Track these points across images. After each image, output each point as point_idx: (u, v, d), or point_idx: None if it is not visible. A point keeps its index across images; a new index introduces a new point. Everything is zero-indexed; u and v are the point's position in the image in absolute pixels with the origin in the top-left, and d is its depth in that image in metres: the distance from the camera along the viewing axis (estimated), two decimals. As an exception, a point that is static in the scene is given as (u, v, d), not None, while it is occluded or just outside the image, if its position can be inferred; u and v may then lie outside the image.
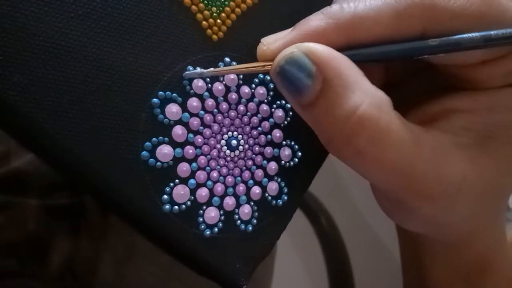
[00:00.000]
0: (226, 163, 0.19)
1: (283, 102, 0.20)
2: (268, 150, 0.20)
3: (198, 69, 0.18)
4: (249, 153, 0.19)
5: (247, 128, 0.19)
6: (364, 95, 0.15)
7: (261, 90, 0.20)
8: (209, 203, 0.18)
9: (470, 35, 0.15)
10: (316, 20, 0.16)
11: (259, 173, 0.19)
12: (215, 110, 0.19)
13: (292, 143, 0.21)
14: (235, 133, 0.19)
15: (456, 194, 0.16)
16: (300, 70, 0.15)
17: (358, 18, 0.15)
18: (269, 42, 0.17)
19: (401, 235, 0.25)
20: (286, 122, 0.20)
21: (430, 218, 0.17)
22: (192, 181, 0.18)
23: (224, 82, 0.19)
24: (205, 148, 0.18)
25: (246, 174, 0.19)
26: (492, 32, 0.15)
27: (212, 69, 0.18)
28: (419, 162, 0.15)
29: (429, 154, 0.16)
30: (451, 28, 0.15)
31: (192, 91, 0.18)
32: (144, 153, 0.17)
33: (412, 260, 0.25)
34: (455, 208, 0.17)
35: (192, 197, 0.18)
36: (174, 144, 0.17)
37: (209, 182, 0.18)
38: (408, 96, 0.19)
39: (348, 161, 0.16)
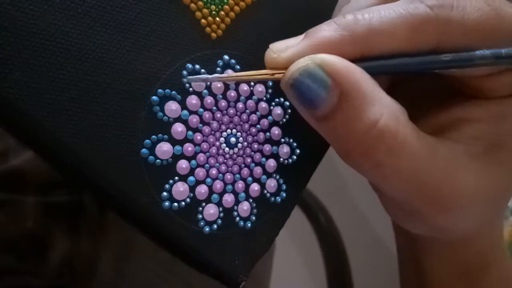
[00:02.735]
0: (225, 160, 0.19)
1: (282, 99, 0.20)
2: (267, 147, 0.20)
3: (203, 75, 0.18)
4: (248, 150, 0.19)
5: (246, 126, 0.19)
6: (382, 107, 0.15)
7: (259, 87, 0.20)
8: (208, 200, 0.18)
9: (481, 52, 0.15)
10: (330, 31, 0.15)
11: (258, 170, 0.20)
12: (214, 107, 0.19)
13: (291, 140, 0.21)
14: (234, 130, 0.19)
15: (469, 204, 0.16)
16: (315, 83, 0.15)
17: (373, 32, 0.15)
18: (280, 49, 0.16)
19: (398, 232, 0.25)
20: (284, 120, 0.20)
21: (443, 226, 0.17)
22: (191, 178, 0.18)
23: (223, 80, 0.19)
24: (204, 146, 0.18)
25: (245, 171, 0.19)
26: (502, 50, 0.15)
27: (217, 75, 0.18)
28: (435, 173, 0.15)
29: (445, 165, 0.16)
30: (463, 43, 0.15)
31: (191, 89, 0.18)
32: (144, 150, 0.17)
33: (409, 257, 0.25)
34: (467, 217, 0.17)
35: (192, 194, 0.18)
36: (173, 141, 0.18)
37: (208, 179, 0.18)
38: (416, 103, 0.19)
39: (367, 172, 0.16)
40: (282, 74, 0.16)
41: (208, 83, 0.18)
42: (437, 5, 0.15)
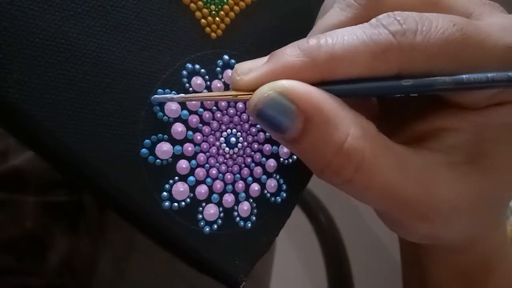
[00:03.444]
0: (225, 160, 0.19)
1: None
2: (267, 147, 0.20)
3: (169, 94, 0.17)
4: (248, 150, 0.19)
5: (246, 126, 0.19)
6: (347, 128, 0.15)
7: (259, 87, 0.20)
8: (208, 200, 0.18)
9: (443, 78, 0.15)
10: (292, 56, 0.15)
11: (258, 170, 0.20)
12: (214, 107, 0.19)
13: (291, 140, 0.21)
14: (234, 130, 0.19)
15: (450, 211, 0.16)
16: (279, 112, 0.15)
17: (335, 59, 0.15)
18: (243, 72, 0.16)
19: (400, 237, 0.25)
20: (284, 120, 0.20)
21: (427, 235, 0.17)
22: (191, 178, 0.18)
23: (223, 80, 0.19)
24: (204, 146, 0.18)
25: (245, 171, 0.19)
26: (464, 76, 0.15)
27: (182, 94, 0.17)
28: (408, 185, 0.15)
29: (418, 176, 0.16)
30: (426, 69, 0.15)
31: (191, 88, 0.18)
32: (144, 150, 0.17)
33: (412, 260, 0.25)
34: (451, 224, 0.17)
35: (192, 194, 0.18)
36: (173, 141, 0.18)
37: (208, 179, 0.18)
38: (395, 111, 0.19)
39: (339, 188, 0.16)
40: (245, 96, 0.16)
41: (208, 82, 0.18)
42: (400, 31, 0.15)
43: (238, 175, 0.19)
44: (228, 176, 0.19)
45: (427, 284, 0.23)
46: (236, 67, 0.17)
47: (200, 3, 0.18)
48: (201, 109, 0.18)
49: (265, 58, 0.16)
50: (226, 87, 0.19)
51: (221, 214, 0.19)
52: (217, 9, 0.19)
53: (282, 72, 0.15)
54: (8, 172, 0.29)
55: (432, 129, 0.17)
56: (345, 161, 0.15)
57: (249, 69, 0.16)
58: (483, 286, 0.22)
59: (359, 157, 0.15)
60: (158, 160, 0.17)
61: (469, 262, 0.21)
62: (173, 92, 0.18)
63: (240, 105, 0.19)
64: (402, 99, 0.19)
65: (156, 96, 0.17)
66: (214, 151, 0.19)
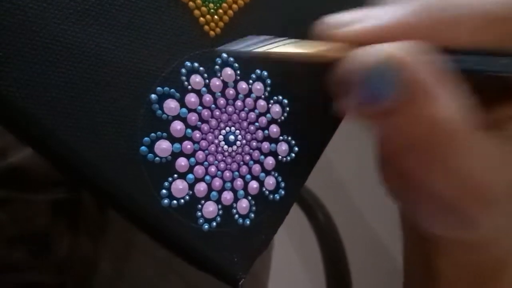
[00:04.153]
0: (224, 158, 0.19)
1: (280, 97, 0.20)
2: (265, 145, 0.20)
3: (235, 46, 0.17)
4: (247, 148, 0.20)
5: (245, 124, 0.19)
6: (450, 104, 0.14)
7: (258, 85, 0.20)
8: (207, 198, 0.18)
9: None
10: (411, 15, 0.14)
11: (256, 168, 0.20)
12: (213, 105, 0.19)
13: (289, 138, 0.21)
14: (233, 128, 0.19)
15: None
16: (385, 79, 0.14)
17: (457, 24, 0.14)
18: (343, 23, 0.15)
19: (406, 233, 0.25)
20: (283, 118, 0.20)
21: (481, 223, 0.17)
22: (190, 175, 0.18)
23: (221, 78, 0.19)
24: (203, 143, 0.18)
25: (244, 169, 0.19)
26: None
27: (258, 49, 0.17)
28: (490, 171, 0.15)
29: (499, 163, 0.15)
30: None
31: (190, 86, 0.18)
32: (143, 148, 0.17)
33: (418, 258, 0.24)
34: (504, 216, 0.16)
35: (191, 192, 0.18)
36: (172, 139, 0.18)
37: (207, 177, 0.18)
38: (473, 94, 0.19)
39: (419, 171, 0.16)
40: (339, 54, 0.15)
41: (207, 80, 0.18)
42: None
43: (236, 173, 0.19)
44: (227, 173, 0.19)
45: (434, 283, 0.23)
46: (328, 19, 0.15)
47: (198, 1, 0.18)
48: (200, 107, 0.18)
49: (362, 12, 0.15)
50: (225, 84, 0.19)
51: (220, 212, 0.19)
52: (215, 7, 0.19)
53: (396, 29, 0.14)
54: (7, 170, 0.29)
55: (505, 117, 0.17)
56: (443, 138, 0.14)
57: (352, 20, 0.15)
58: (493, 285, 0.21)
59: (456, 135, 0.14)
60: (157, 158, 0.17)
61: (482, 261, 0.21)
62: (172, 90, 0.18)
63: (238, 103, 0.19)
64: (483, 83, 0.19)
65: (220, 48, 0.17)
66: (213, 149, 0.19)
